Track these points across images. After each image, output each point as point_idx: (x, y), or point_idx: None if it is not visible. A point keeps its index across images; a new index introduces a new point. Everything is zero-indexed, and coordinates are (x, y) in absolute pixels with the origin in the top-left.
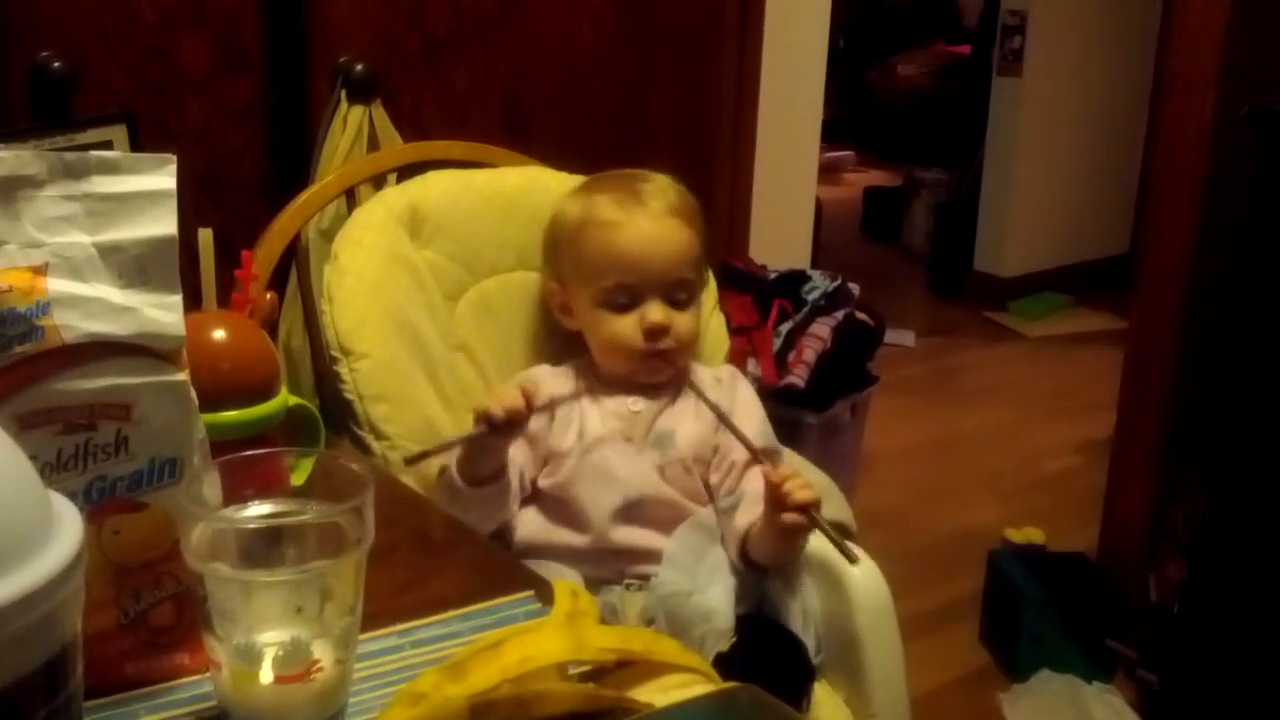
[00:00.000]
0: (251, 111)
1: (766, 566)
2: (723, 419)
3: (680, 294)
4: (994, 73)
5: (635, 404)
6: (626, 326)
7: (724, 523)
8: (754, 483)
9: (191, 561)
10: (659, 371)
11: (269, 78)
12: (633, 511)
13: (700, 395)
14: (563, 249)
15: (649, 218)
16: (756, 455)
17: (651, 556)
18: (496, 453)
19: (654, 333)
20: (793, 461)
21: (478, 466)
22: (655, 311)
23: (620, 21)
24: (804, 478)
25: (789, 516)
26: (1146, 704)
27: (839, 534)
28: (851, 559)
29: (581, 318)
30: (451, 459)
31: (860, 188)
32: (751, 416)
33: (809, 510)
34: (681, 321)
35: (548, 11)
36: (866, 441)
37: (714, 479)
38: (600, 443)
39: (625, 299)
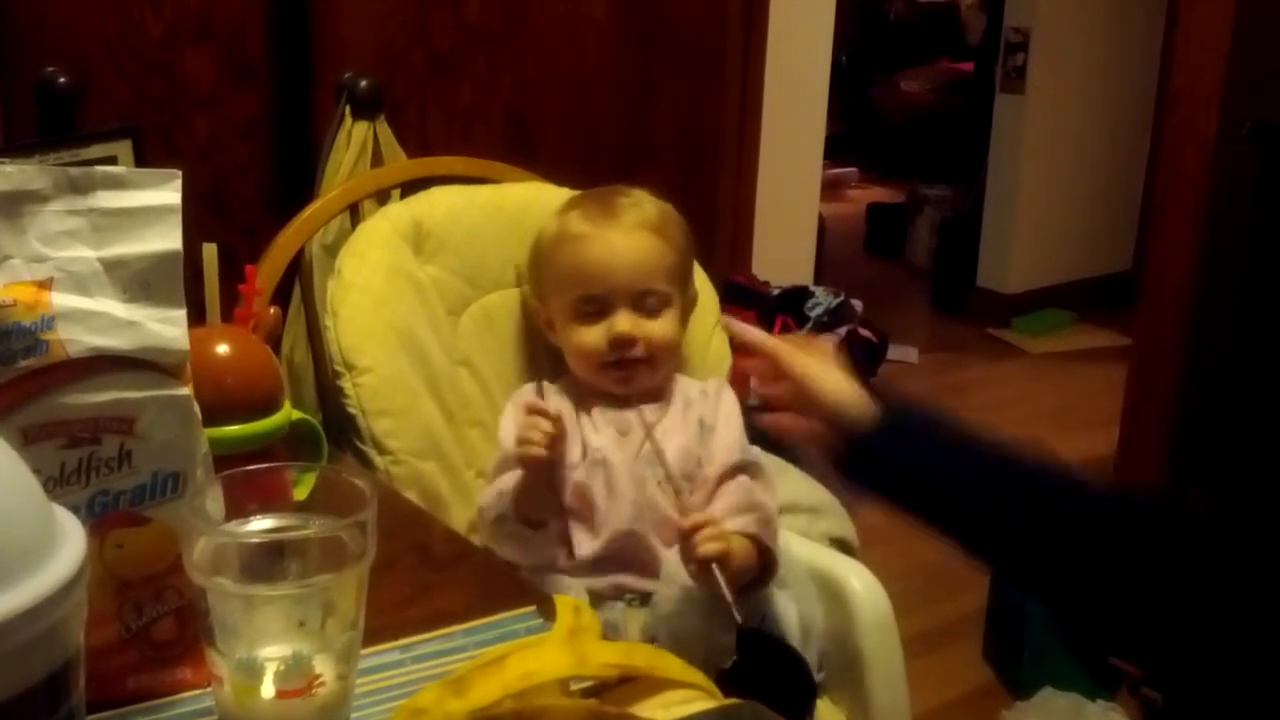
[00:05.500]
0: (256, 126)
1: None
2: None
3: (650, 303)
4: (997, 89)
5: (624, 421)
6: (594, 337)
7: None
8: (725, 499)
9: (194, 576)
10: (626, 383)
11: (274, 93)
12: (640, 520)
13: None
14: (541, 265)
15: (618, 231)
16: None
17: (656, 570)
18: (543, 490)
19: (620, 343)
20: (786, 474)
21: (535, 507)
22: (622, 322)
23: (624, 37)
24: (717, 529)
25: (691, 567)
26: None
27: (840, 549)
28: (738, 619)
29: (559, 332)
30: (506, 509)
31: (863, 204)
32: (731, 428)
33: (708, 565)
34: (653, 329)
35: (551, 28)
36: None
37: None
38: (603, 452)
39: (593, 310)
